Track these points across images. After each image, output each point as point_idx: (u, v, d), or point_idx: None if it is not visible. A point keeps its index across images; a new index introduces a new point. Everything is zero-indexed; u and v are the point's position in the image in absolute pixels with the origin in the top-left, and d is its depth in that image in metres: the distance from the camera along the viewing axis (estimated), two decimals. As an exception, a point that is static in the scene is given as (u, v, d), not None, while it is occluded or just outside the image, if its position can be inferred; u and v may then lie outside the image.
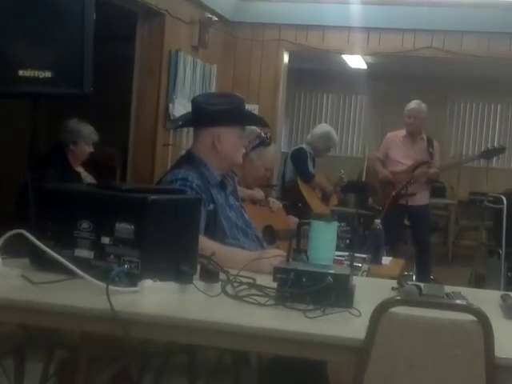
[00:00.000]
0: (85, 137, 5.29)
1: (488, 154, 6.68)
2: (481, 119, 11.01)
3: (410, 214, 6.63)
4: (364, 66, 9.63)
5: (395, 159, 6.61)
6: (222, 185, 2.99)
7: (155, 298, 2.06)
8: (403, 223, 6.82)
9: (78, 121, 5.34)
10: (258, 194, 4.34)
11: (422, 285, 2.34)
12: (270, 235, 3.99)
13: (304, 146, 6.78)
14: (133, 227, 2.10)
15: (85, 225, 2.19)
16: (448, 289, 2.35)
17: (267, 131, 4.25)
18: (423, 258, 6.72)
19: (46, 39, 2.73)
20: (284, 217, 4.34)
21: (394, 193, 6.49)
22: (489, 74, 9.32)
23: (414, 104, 6.57)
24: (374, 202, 6.77)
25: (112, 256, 2.13)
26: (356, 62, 9.29)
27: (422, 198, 6.60)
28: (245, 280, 2.27)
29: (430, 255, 6.83)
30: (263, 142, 4.06)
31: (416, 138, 6.59)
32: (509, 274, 5.84)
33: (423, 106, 6.59)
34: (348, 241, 3.75)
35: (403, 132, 6.64)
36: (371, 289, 2.49)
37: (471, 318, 1.76)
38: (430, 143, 6.61)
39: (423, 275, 6.36)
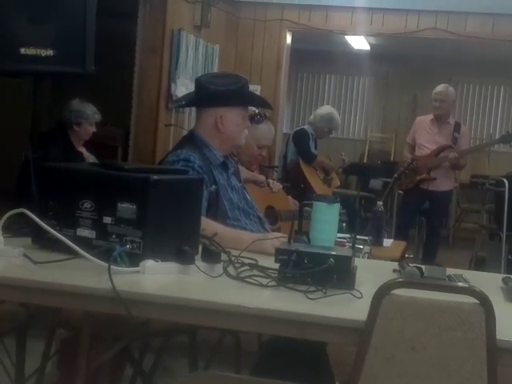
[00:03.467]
0: (88, 117, 5.26)
1: (507, 139, 6.64)
2: (483, 101, 10.97)
3: (430, 198, 6.59)
4: (367, 47, 9.58)
5: (421, 143, 6.58)
6: (224, 166, 2.98)
7: (157, 278, 2.06)
8: (420, 208, 6.78)
9: (81, 101, 5.30)
10: (260, 177, 4.33)
11: (423, 267, 2.34)
12: (272, 216, 3.99)
13: (306, 127, 6.77)
14: (135, 207, 2.10)
15: (87, 204, 2.18)
16: (449, 271, 2.35)
17: (269, 112, 4.22)
18: (431, 242, 6.72)
19: (48, 17, 2.70)
20: (285, 198, 4.34)
21: (395, 175, 6.50)
22: (493, 55, 9.27)
23: (440, 87, 6.53)
24: (397, 186, 6.75)
25: (114, 236, 2.13)
26: (359, 43, 9.25)
27: (443, 183, 6.53)
28: (247, 261, 2.26)
29: (439, 240, 6.83)
30: (253, 119, 4.02)
31: (443, 123, 6.54)
32: (509, 257, 5.85)
33: (450, 89, 6.55)
34: (344, 224, 3.73)
35: (431, 116, 6.60)
36: (373, 271, 2.49)
37: (473, 300, 1.76)
38: (456, 128, 6.56)
39: (429, 259, 6.38)
